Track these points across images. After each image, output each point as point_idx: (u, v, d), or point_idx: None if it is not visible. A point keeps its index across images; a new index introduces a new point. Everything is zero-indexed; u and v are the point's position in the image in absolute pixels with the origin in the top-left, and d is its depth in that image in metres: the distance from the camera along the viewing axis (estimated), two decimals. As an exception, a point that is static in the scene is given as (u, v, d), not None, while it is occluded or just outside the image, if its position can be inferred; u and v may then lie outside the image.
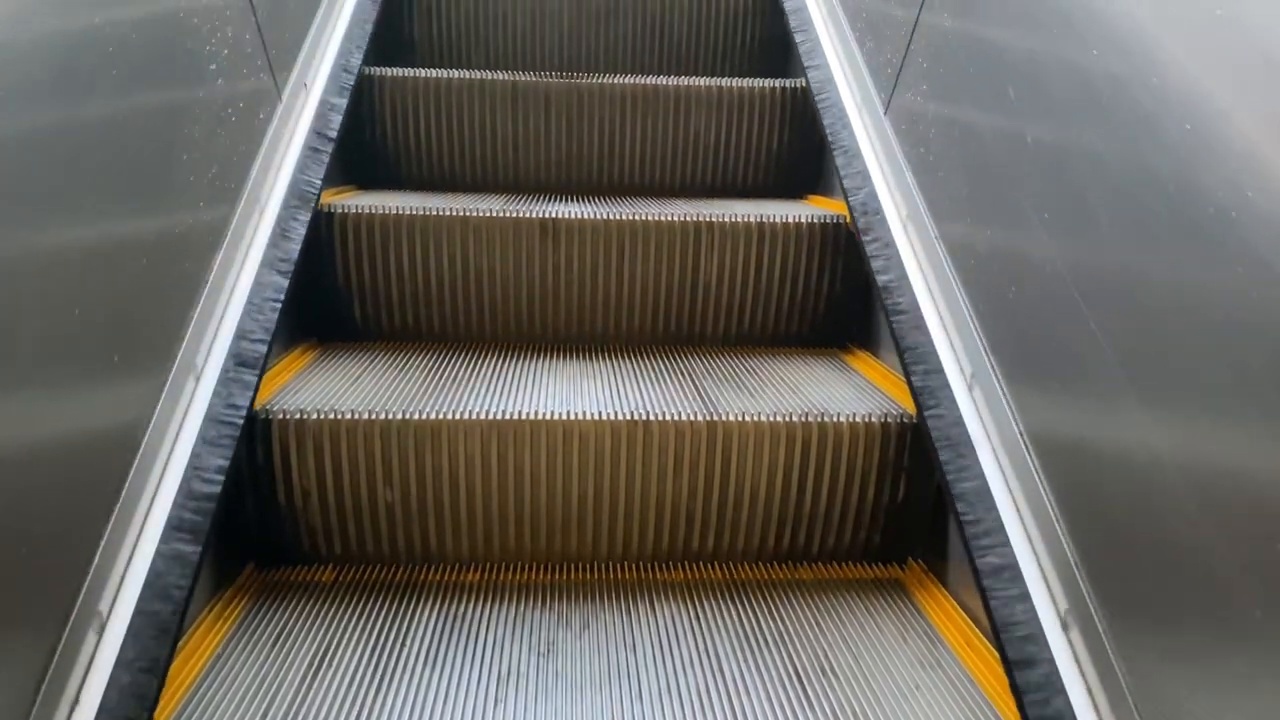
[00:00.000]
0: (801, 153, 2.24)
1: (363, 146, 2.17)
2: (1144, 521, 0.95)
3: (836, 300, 1.92)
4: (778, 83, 2.22)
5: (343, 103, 1.98)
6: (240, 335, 1.43)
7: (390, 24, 2.43)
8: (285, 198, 1.66)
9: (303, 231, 1.67)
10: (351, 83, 2.04)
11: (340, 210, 1.80)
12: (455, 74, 2.16)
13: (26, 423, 0.90)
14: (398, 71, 2.16)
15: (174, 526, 1.17)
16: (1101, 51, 1.09)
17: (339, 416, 1.43)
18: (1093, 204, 1.07)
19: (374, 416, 1.43)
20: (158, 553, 1.13)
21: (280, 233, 1.62)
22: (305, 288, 1.75)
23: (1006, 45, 1.36)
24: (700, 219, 1.86)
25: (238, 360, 1.41)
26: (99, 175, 1.06)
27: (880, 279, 1.67)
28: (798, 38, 2.29)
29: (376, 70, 2.15)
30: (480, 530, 1.49)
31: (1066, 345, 1.13)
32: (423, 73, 2.16)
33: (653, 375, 1.73)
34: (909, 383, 1.51)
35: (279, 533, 1.46)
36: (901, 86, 1.78)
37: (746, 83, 2.22)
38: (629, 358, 1.84)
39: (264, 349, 1.46)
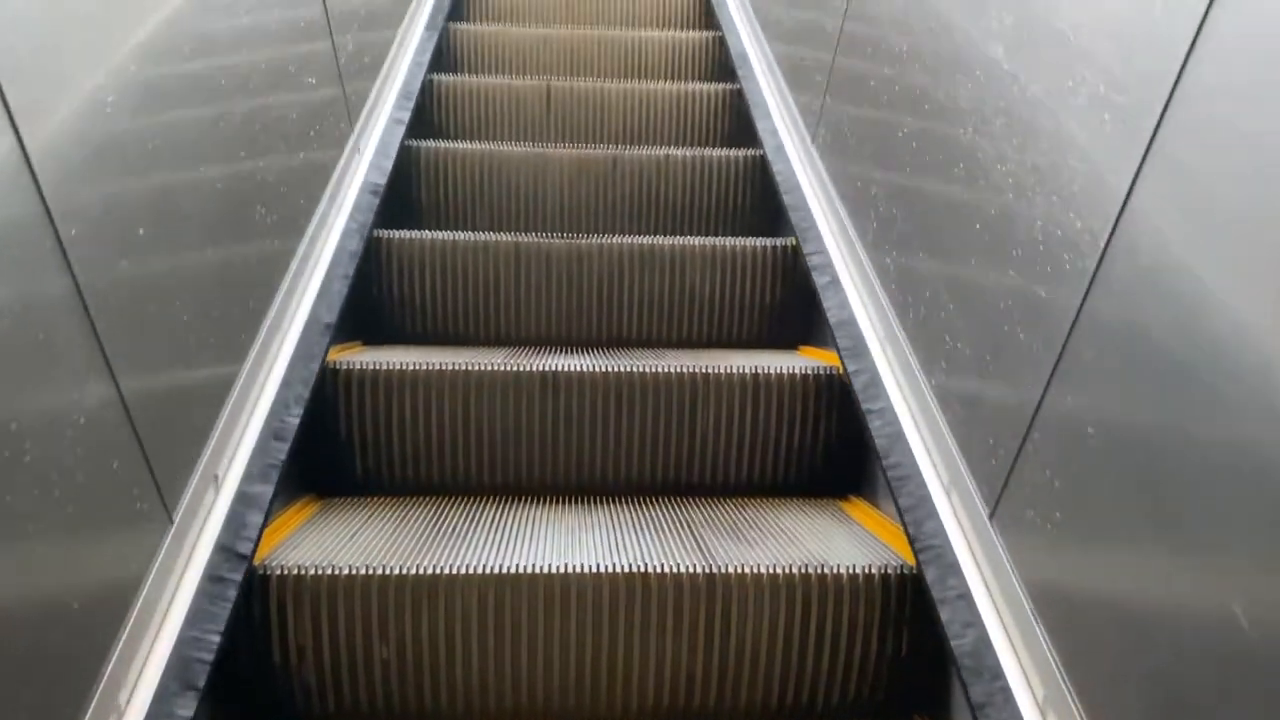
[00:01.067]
0: (793, 306, 2.31)
1: (370, 304, 2.24)
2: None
3: (833, 449, 1.94)
4: (769, 242, 2.31)
5: (352, 266, 2.06)
6: (242, 493, 1.45)
7: (398, 188, 2.55)
8: (292, 359, 1.70)
9: (307, 392, 1.71)
10: (360, 248, 2.13)
11: (345, 367, 1.84)
12: (459, 236, 2.26)
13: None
14: (404, 234, 2.26)
15: (168, 691, 1.16)
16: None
17: (336, 572, 1.42)
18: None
19: (371, 572, 1.43)
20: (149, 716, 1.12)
21: (285, 391, 1.66)
22: (308, 442, 1.77)
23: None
24: (696, 371, 1.91)
25: (239, 516, 1.42)
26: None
27: (874, 431, 1.70)
28: (786, 200, 2.40)
29: (384, 232, 2.25)
30: (476, 688, 1.46)
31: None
32: (428, 234, 2.26)
33: (652, 526, 1.73)
34: (907, 534, 1.52)
35: (273, 691, 1.44)
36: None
37: (740, 241, 2.31)
38: (628, 507, 1.85)
39: (265, 508, 1.47)
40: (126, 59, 1.19)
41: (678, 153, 2.66)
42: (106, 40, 1.16)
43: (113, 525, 1.11)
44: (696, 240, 2.31)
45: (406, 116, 2.63)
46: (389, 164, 2.42)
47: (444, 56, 3.27)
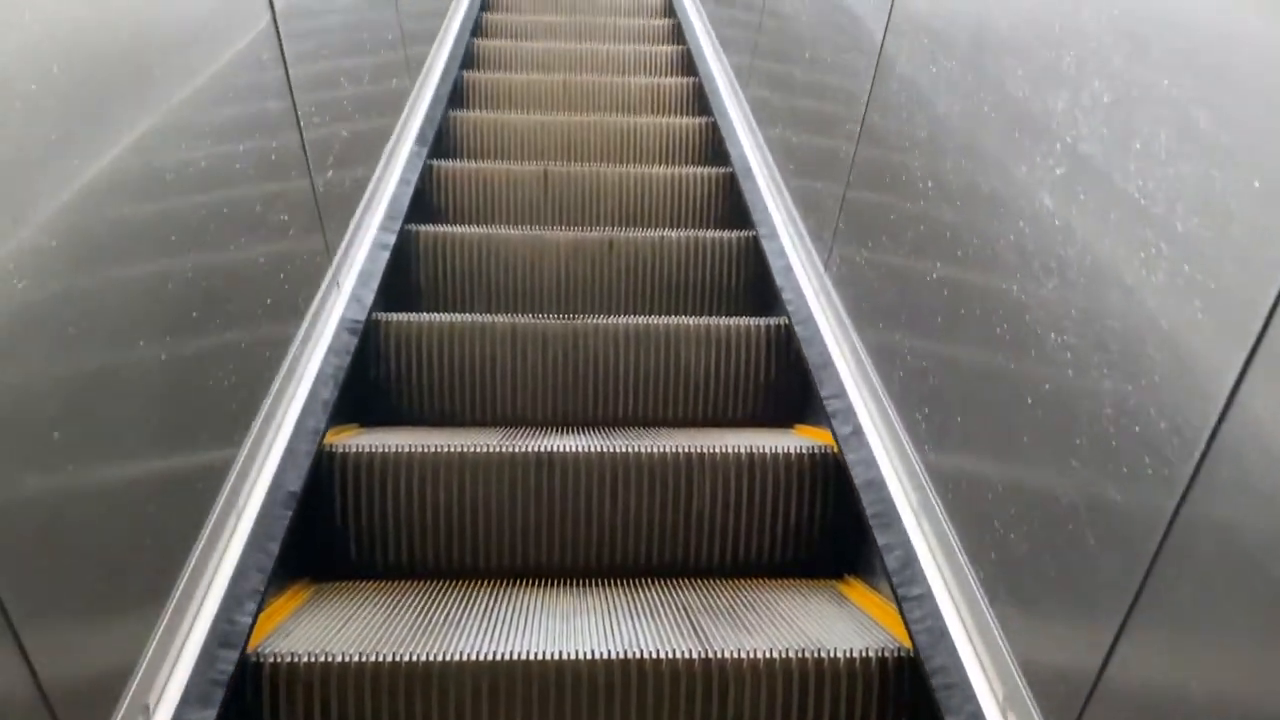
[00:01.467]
0: (788, 385, 2.33)
1: (367, 385, 2.26)
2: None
3: (829, 529, 1.94)
4: (763, 321, 2.34)
5: (352, 347, 2.08)
6: (236, 581, 1.44)
7: (398, 270, 2.59)
8: (289, 441, 1.71)
9: (303, 477, 1.71)
10: (360, 328, 2.15)
11: (341, 450, 1.85)
12: (457, 318, 2.29)
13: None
14: (402, 316, 2.29)
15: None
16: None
17: (329, 659, 1.41)
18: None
19: (364, 659, 1.42)
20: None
21: (281, 479, 1.66)
22: (303, 526, 1.77)
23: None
24: (692, 451, 1.92)
25: (234, 603, 1.41)
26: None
27: (869, 513, 1.70)
28: (778, 280, 2.44)
29: (383, 315, 2.28)
30: (469, 780, 1.44)
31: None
32: (426, 317, 2.29)
33: (648, 610, 1.72)
34: (903, 618, 1.51)
35: (261, 785, 1.41)
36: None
37: (734, 321, 2.34)
38: (624, 590, 1.84)
39: (259, 596, 1.47)
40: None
41: (672, 234, 2.71)
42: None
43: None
44: (691, 320, 2.34)
45: (406, 200, 2.69)
46: (385, 254, 2.46)
47: (444, 142, 3.35)
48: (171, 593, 1.26)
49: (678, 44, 4.29)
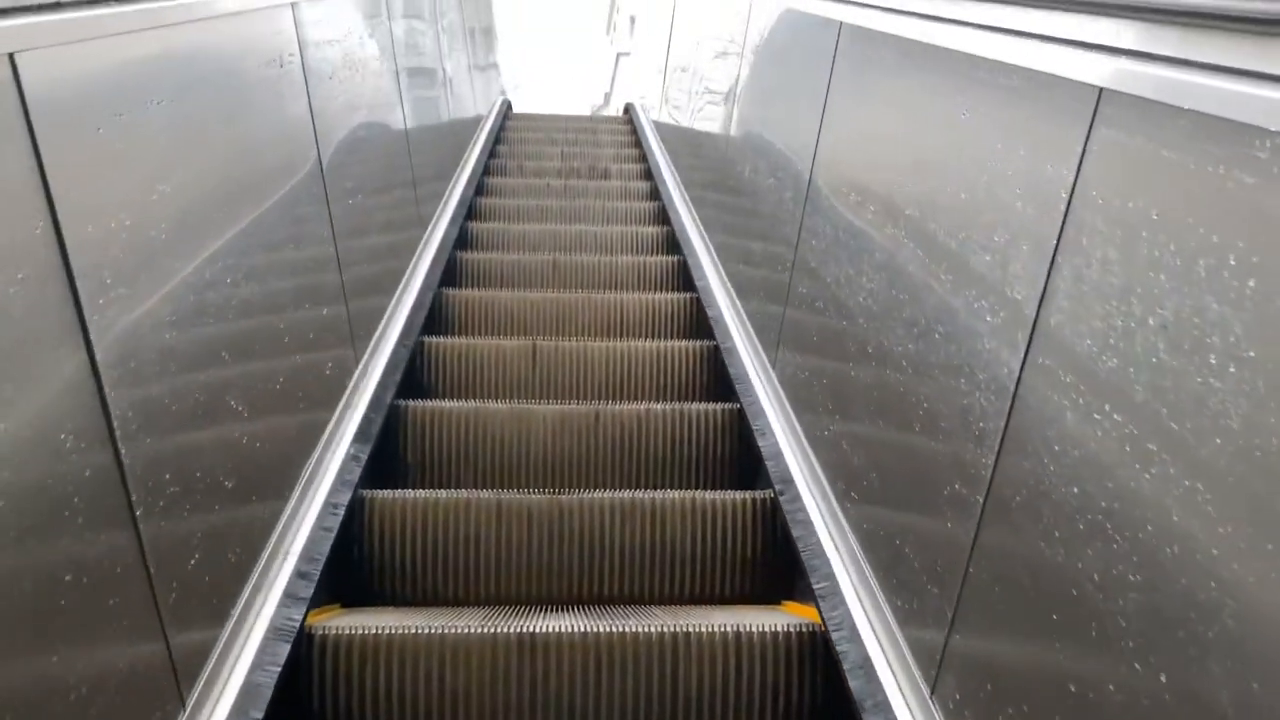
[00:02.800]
0: (775, 560, 2.31)
1: (349, 564, 2.23)
2: None
3: (819, 708, 1.88)
4: (748, 495, 2.35)
5: (334, 528, 2.07)
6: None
7: (386, 447, 2.61)
8: (268, 629, 1.68)
9: (280, 667, 1.67)
10: (345, 505, 2.15)
11: (321, 632, 1.82)
12: (442, 494, 2.29)
13: None
14: (387, 493, 2.29)
15: None
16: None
17: None
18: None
19: None
20: None
21: (260, 668, 1.62)
22: (282, 712, 1.71)
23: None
24: (678, 630, 1.88)
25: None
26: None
27: (856, 695, 1.66)
28: (765, 454, 2.46)
29: (367, 492, 2.28)
30: None
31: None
32: (410, 493, 2.29)
33: (632, 803, 1.65)
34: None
35: None
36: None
37: (719, 495, 2.35)
38: (608, 782, 1.76)
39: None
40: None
41: (658, 407, 2.75)
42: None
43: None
44: (676, 494, 2.34)
45: (395, 384, 2.74)
46: (374, 430, 2.49)
47: (436, 319, 3.44)
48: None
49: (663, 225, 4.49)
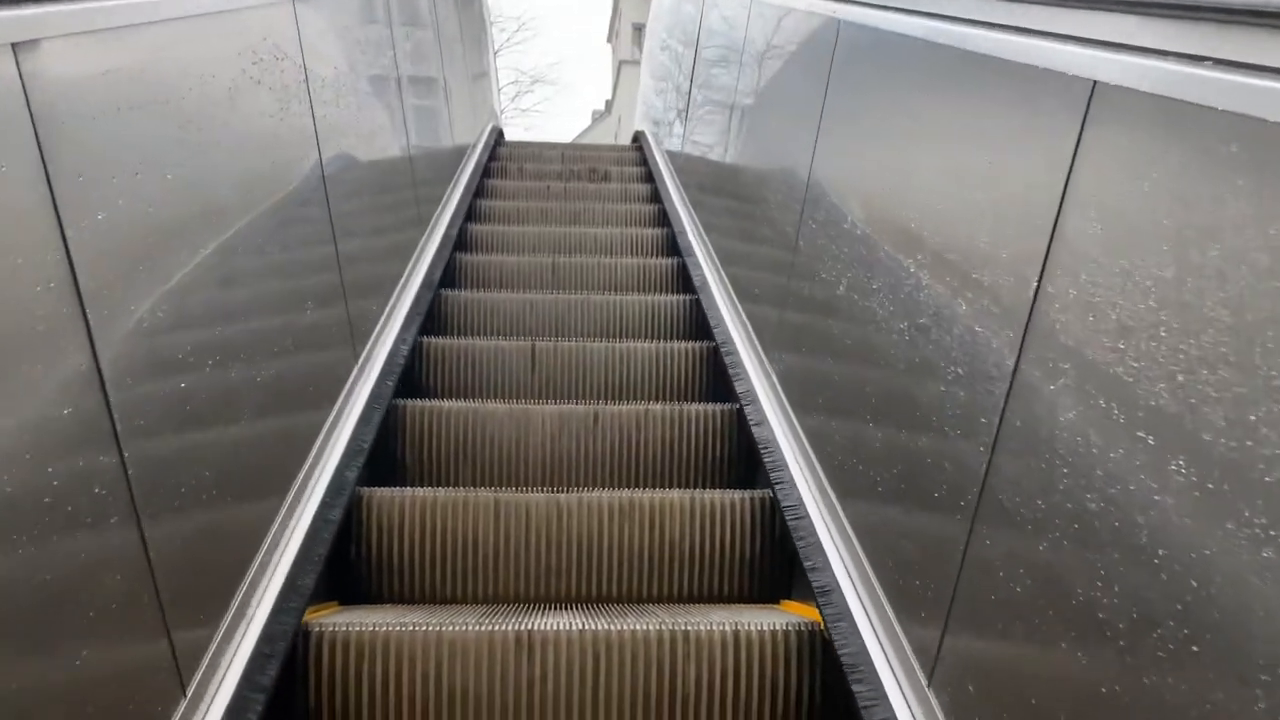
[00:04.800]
0: (773, 559, 2.30)
1: (347, 563, 2.23)
2: None
3: (819, 712, 1.87)
4: (747, 494, 2.34)
5: (332, 526, 2.07)
6: None
7: (383, 446, 2.60)
8: (264, 626, 1.68)
9: (278, 665, 1.67)
10: (343, 503, 2.15)
11: (318, 629, 1.81)
12: (440, 492, 2.29)
13: None
14: (385, 491, 2.28)
15: None
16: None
17: None
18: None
19: None
20: None
21: (257, 664, 1.62)
22: (279, 710, 1.71)
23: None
24: (676, 629, 1.88)
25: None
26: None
27: (857, 694, 1.66)
28: (764, 454, 2.46)
29: (365, 490, 2.28)
30: None
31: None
32: (408, 491, 2.29)
33: (630, 801, 1.64)
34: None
35: None
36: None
37: (718, 495, 2.34)
38: (606, 780, 1.76)
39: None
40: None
41: (656, 407, 2.75)
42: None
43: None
44: (675, 493, 2.34)
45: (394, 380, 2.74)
46: (371, 431, 2.48)
47: (434, 319, 3.44)
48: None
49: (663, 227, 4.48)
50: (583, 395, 3.11)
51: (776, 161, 2.99)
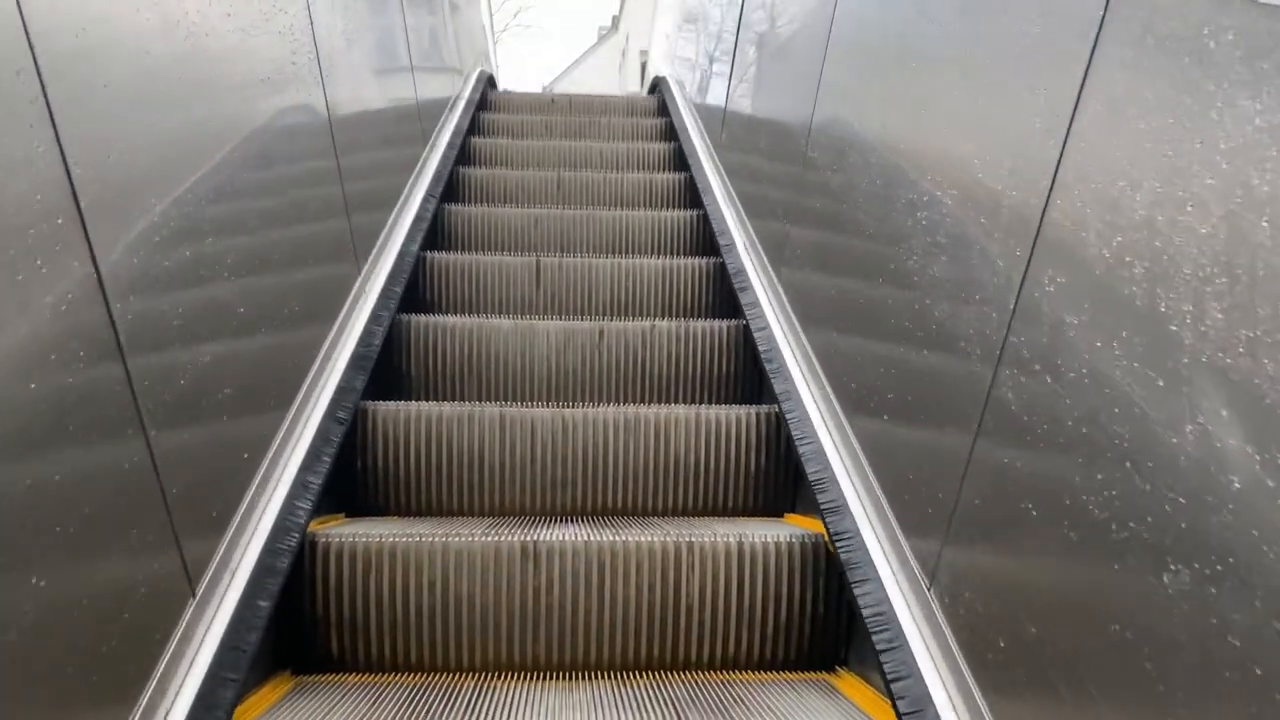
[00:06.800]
0: (778, 473, 2.31)
1: (353, 475, 2.24)
2: None
3: (821, 621, 1.89)
4: (753, 409, 2.34)
5: (337, 438, 2.07)
6: (212, 677, 1.40)
7: (387, 359, 2.59)
8: (271, 531, 1.69)
9: (285, 566, 1.68)
10: (347, 416, 2.15)
11: (324, 539, 1.83)
12: (445, 406, 2.28)
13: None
14: (389, 405, 2.28)
15: None
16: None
17: (303, 758, 1.36)
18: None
19: (339, 758, 1.37)
20: None
21: (263, 570, 1.63)
22: (283, 618, 1.73)
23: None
24: (680, 540, 1.89)
25: (207, 704, 1.37)
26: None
27: (860, 602, 1.67)
28: (769, 368, 2.45)
29: (370, 404, 2.27)
30: None
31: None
32: (413, 405, 2.29)
33: (634, 705, 1.67)
34: (896, 711, 1.47)
35: None
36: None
37: (723, 410, 2.34)
38: (611, 685, 1.79)
39: (234, 692, 1.43)
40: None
41: (663, 324, 2.73)
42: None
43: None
44: (680, 409, 2.33)
45: (399, 290, 2.72)
46: (376, 343, 2.47)
47: (438, 234, 3.40)
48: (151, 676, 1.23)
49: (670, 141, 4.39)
50: (588, 311, 3.09)
51: (787, 66, 2.90)
